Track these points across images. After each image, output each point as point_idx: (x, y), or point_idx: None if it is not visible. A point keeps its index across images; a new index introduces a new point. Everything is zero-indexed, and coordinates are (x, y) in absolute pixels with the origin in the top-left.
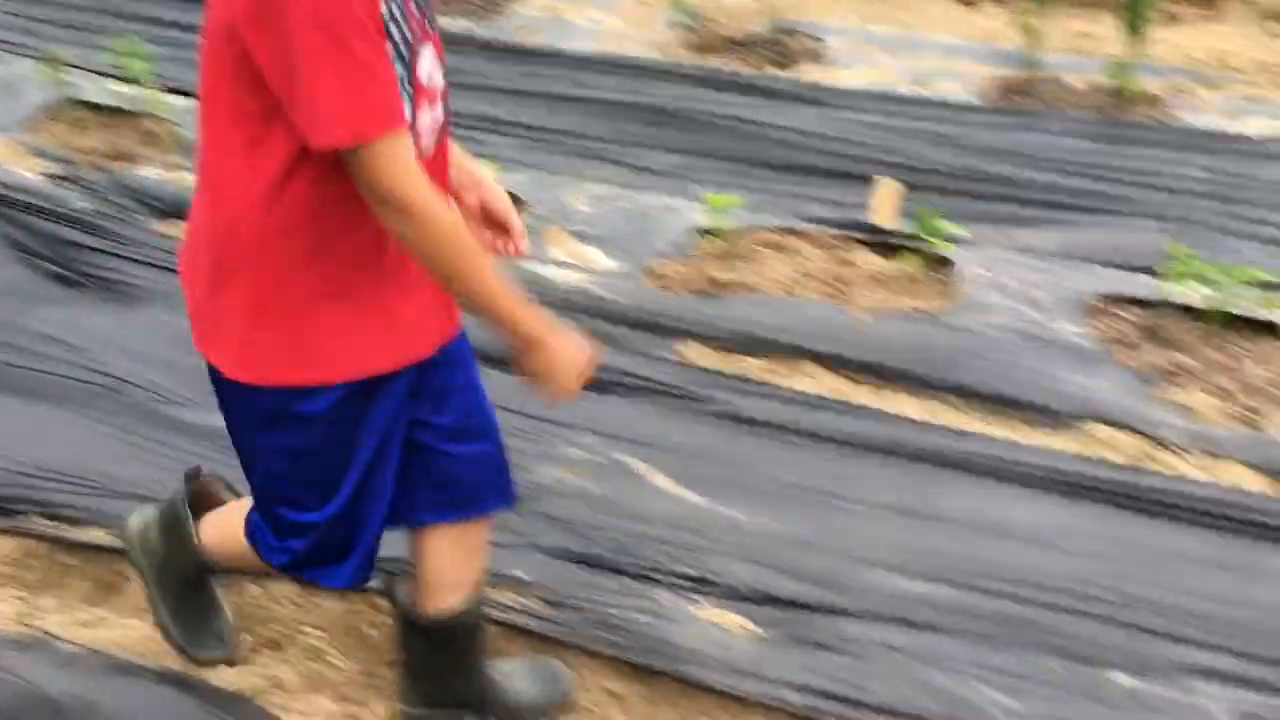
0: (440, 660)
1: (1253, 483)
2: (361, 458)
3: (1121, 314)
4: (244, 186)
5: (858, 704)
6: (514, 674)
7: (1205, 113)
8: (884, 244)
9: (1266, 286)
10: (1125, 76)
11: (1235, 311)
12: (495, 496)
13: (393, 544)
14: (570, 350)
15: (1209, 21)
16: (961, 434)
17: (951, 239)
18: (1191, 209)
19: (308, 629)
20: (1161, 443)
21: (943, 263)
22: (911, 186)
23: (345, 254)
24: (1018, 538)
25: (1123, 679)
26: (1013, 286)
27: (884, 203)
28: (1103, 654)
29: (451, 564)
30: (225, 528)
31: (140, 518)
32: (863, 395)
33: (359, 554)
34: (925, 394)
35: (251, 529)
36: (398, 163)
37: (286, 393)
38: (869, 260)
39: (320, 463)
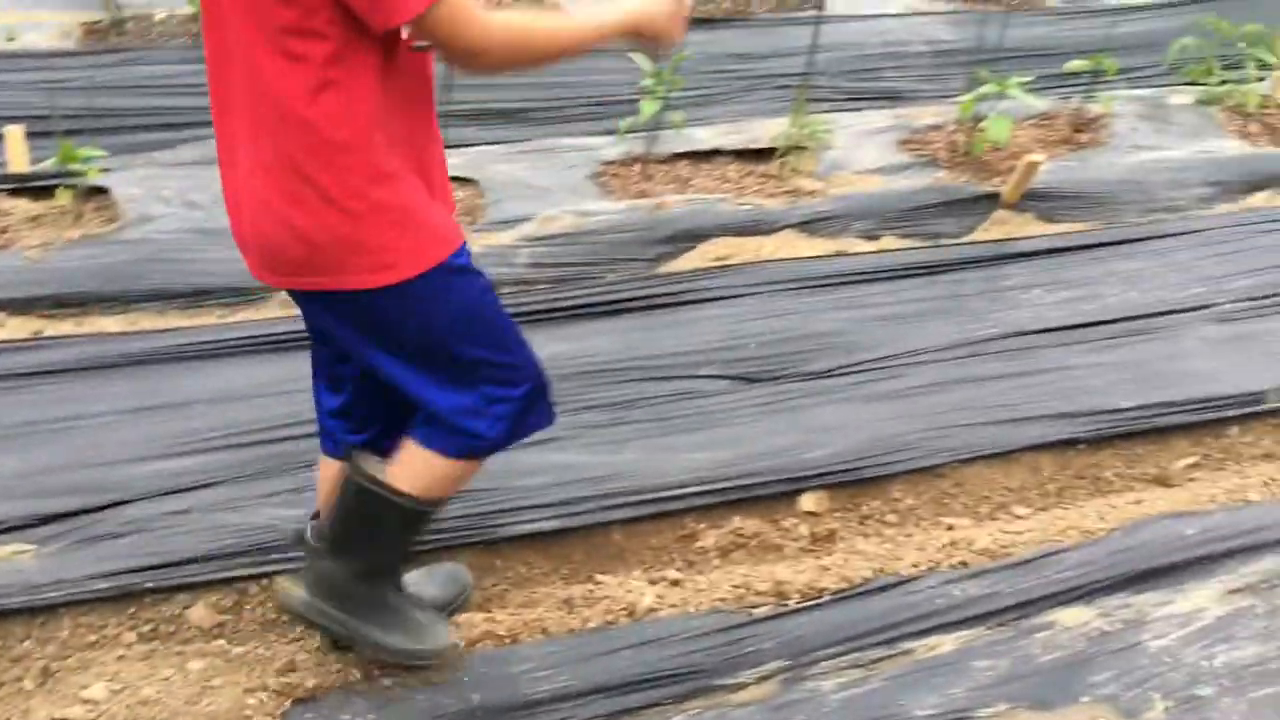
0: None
1: None
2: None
3: None
4: (328, 104)
5: (165, 566)
6: None
7: None
8: (34, 189)
9: None
10: None
11: None
12: None
13: None
14: (659, 6)
15: None
16: (170, 331)
17: (99, 168)
18: None
19: None
20: None
21: (99, 192)
22: (43, 134)
23: (409, 138)
24: (250, 396)
25: None
26: (171, 195)
27: (14, 151)
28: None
29: None
30: (411, 463)
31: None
32: (64, 327)
33: (549, 385)
34: (122, 309)
35: (445, 437)
36: (466, 10)
37: (441, 268)
38: (23, 206)
39: (491, 309)
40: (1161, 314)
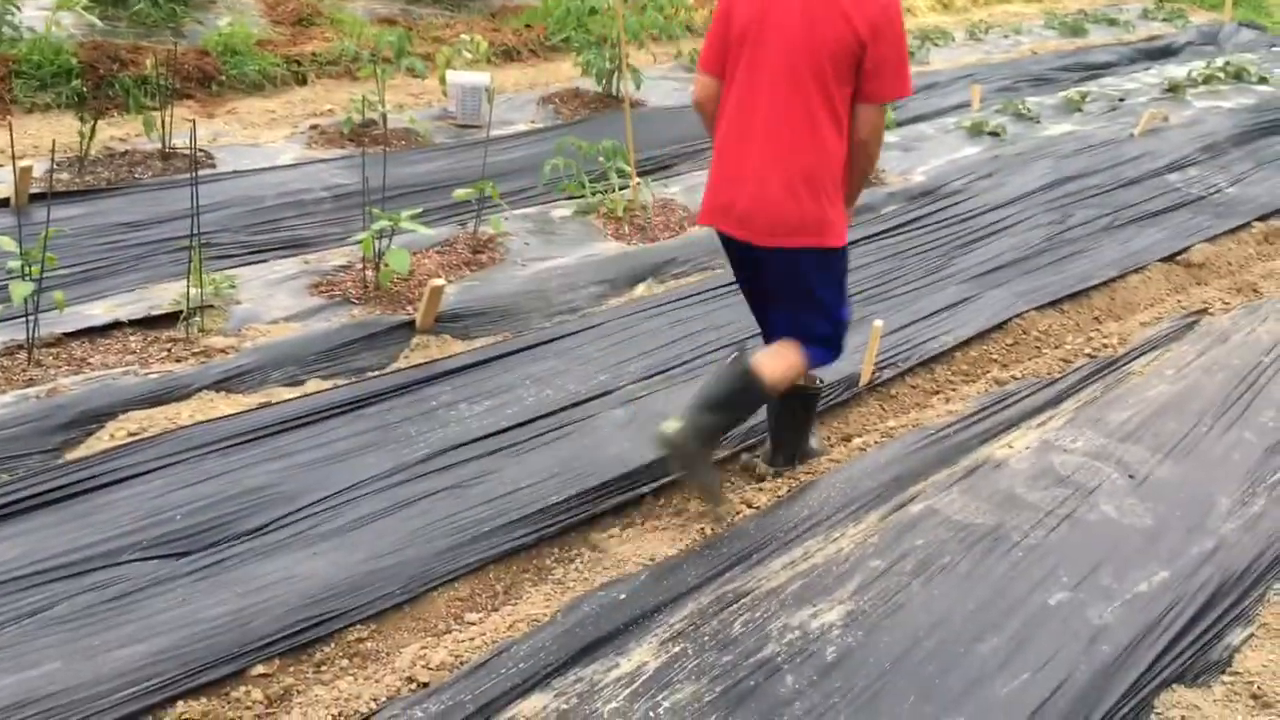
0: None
1: None
2: None
3: None
4: (834, 140)
5: None
6: None
7: None
8: None
9: None
10: None
11: None
12: None
13: None
14: None
15: None
16: None
17: None
18: None
19: None
20: None
21: None
22: None
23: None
24: None
25: None
26: None
27: None
28: None
29: None
30: (779, 361)
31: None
32: None
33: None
34: None
35: (812, 355)
36: None
37: (847, 245)
38: None
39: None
40: (575, 405)
